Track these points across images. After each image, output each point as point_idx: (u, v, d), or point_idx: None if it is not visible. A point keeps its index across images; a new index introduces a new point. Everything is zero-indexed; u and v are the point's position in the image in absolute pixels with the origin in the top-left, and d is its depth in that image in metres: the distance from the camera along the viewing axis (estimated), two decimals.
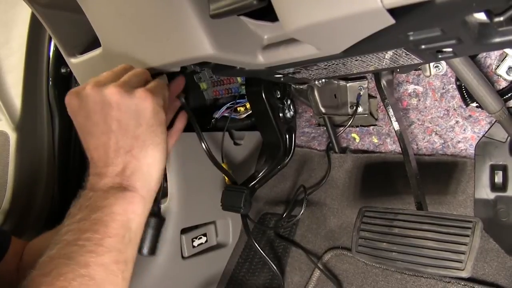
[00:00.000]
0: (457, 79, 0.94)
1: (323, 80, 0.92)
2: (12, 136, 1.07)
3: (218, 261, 1.23)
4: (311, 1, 0.39)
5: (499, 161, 0.93)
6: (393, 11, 0.36)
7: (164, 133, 0.58)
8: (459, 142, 1.00)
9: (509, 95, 0.87)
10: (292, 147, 0.93)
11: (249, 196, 0.86)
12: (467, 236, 0.69)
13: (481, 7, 0.39)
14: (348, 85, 1.05)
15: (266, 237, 1.27)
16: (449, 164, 1.01)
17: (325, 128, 1.18)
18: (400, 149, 0.84)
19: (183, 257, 1.09)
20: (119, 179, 0.54)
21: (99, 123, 0.55)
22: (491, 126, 0.94)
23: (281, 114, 0.90)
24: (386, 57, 0.56)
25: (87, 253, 0.49)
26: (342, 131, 1.16)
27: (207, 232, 1.16)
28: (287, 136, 0.92)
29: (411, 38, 0.46)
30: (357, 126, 1.15)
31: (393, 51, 0.53)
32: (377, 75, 0.83)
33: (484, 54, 0.89)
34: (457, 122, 0.99)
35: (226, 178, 0.97)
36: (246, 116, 1.07)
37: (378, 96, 1.06)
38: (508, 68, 0.86)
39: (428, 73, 0.85)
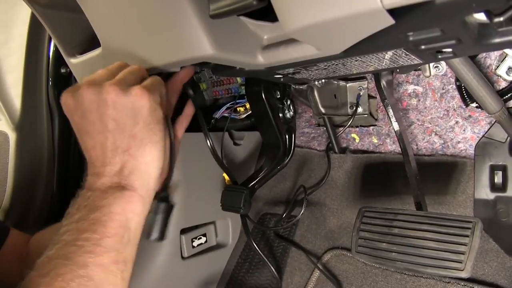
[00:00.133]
0: (457, 80, 0.94)
1: (323, 80, 0.92)
2: (12, 136, 1.07)
3: (218, 261, 1.23)
4: (310, 2, 0.39)
5: (498, 161, 0.93)
6: (393, 11, 0.36)
7: (162, 130, 0.58)
8: (459, 142, 1.00)
9: (508, 95, 0.87)
10: (292, 147, 0.93)
11: (248, 196, 0.86)
12: (467, 236, 0.69)
13: (481, 7, 0.39)
14: (348, 85, 1.05)
15: (265, 237, 1.27)
16: (449, 164, 1.01)
17: (325, 128, 1.18)
18: (399, 149, 0.84)
19: (182, 257, 1.09)
20: (117, 179, 0.54)
21: (95, 122, 0.55)
22: (490, 127, 0.94)
23: (281, 114, 0.90)
24: (386, 57, 0.56)
25: (85, 254, 0.48)
26: (342, 131, 1.16)
27: (207, 232, 1.16)
28: (287, 136, 0.92)
29: (411, 38, 0.46)
30: (357, 127, 1.15)
31: (393, 51, 0.53)
32: (377, 75, 0.83)
33: (484, 54, 0.89)
34: (457, 122, 0.99)
35: (226, 178, 0.97)
36: (246, 116, 1.07)
37: (378, 96, 1.07)
38: (508, 69, 0.86)
39: (428, 74, 0.85)
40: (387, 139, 1.12)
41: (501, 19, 0.39)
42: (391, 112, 0.82)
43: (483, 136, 0.95)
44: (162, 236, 0.82)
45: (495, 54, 0.88)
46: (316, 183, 1.21)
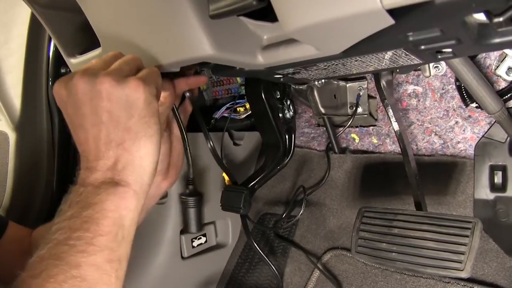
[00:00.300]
0: (456, 80, 0.94)
1: (323, 80, 0.92)
2: (12, 136, 1.07)
3: (218, 261, 1.23)
4: (310, 2, 0.39)
5: (498, 161, 0.93)
6: (393, 12, 0.36)
7: (157, 123, 0.55)
8: (458, 142, 1.00)
9: (508, 95, 0.87)
10: (292, 148, 0.94)
11: (248, 197, 0.86)
12: (467, 236, 0.69)
13: (480, 7, 0.39)
14: (347, 85, 1.05)
15: (265, 237, 1.27)
16: (449, 164, 1.01)
17: (324, 128, 1.18)
18: (399, 149, 0.84)
19: (182, 257, 1.09)
20: (111, 174, 0.52)
21: (88, 114, 0.52)
22: (490, 127, 0.94)
23: (280, 115, 0.90)
24: (385, 57, 0.56)
25: (78, 253, 0.46)
26: (341, 132, 1.16)
27: (207, 232, 1.16)
28: (286, 136, 0.92)
29: (411, 38, 0.46)
30: (356, 127, 1.15)
31: (392, 51, 0.53)
32: (376, 75, 0.83)
33: (484, 54, 0.89)
34: (456, 122, 0.99)
35: (226, 178, 0.97)
36: (246, 116, 1.07)
37: (377, 96, 1.07)
38: (508, 69, 0.86)
39: (427, 74, 0.85)
40: (387, 139, 1.12)
41: (501, 19, 0.39)
42: (391, 112, 0.82)
43: (483, 136, 0.95)
44: (200, 228, 0.82)
45: (494, 54, 0.88)
46: (316, 183, 1.21)
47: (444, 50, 0.50)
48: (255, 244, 0.97)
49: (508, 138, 0.91)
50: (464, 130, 0.98)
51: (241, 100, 1.06)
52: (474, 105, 0.93)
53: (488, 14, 0.40)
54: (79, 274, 0.46)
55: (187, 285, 1.14)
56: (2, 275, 0.65)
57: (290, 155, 0.94)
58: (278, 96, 0.89)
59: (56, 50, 1.07)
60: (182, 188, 1.00)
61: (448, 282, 0.94)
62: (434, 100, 1.00)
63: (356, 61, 0.58)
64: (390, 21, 0.38)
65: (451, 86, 0.97)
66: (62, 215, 0.50)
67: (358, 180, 1.14)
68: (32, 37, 1.05)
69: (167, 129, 0.72)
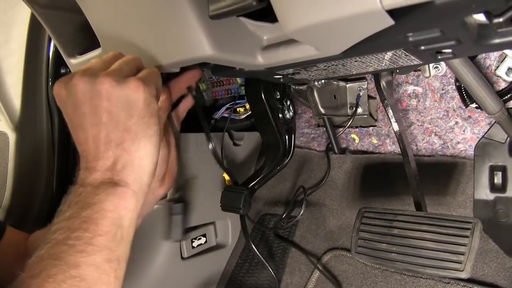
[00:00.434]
0: (456, 80, 0.94)
1: (323, 81, 0.92)
2: (12, 136, 1.07)
3: (218, 262, 1.23)
4: (310, 2, 0.39)
5: (498, 162, 0.93)
6: (393, 12, 0.36)
7: (157, 124, 0.55)
8: (458, 143, 1.00)
9: (508, 96, 0.87)
10: (292, 148, 0.93)
11: (248, 197, 0.86)
12: (467, 237, 0.69)
13: (480, 8, 0.39)
14: (347, 86, 1.05)
15: (265, 237, 1.27)
16: (449, 165, 1.01)
17: (324, 128, 1.18)
18: (399, 149, 0.84)
19: (182, 258, 1.09)
20: (110, 174, 0.52)
21: (88, 114, 0.52)
22: (490, 127, 0.94)
23: (280, 115, 0.90)
24: (385, 58, 0.56)
25: (77, 253, 0.46)
26: (341, 132, 1.16)
27: (207, 233, 1.16)
28: (286, 136, 0.92)
29: (411, 39, 0.46)
30: (356, 127, 1.15)
31: (392, 52, 0.53)
32: (376, 76, 0.83)
33: (484, 55, 0.89)
34: (456, 123, 0.99)
35: (226, 178, 0.97)
36: (246, 116, 1.07)
37: (377, 97, 1.07)
38: (508, 69, 0.86)
39: (427, 74, 0.85)
40: (387, 140, 1.12)
41: (501, 20, 0.39)
42: (390, 112, 0.82)
43: (482, 136, 0.95)
44: (183, 236, 0.81)
45: (494, 55, 0.88)
46: (316, 183, 1.21)
47: (444, 50, 0.50)
48: (253, 247, 0.97)
49: (508, 139, 0.91)
50: (464, 131, 0.98)
51: (241, 101, 1.05)
52: (474, 105, 0.93)
53: (488, 14, 0.40)
54: (78, 274, 0.46)
55: (187, 285, 1.14)
56: None
57: (290, 155, 0.94)
58: (278, 97, 0.89)
59: (56, 50, 1.07)
60: (169, 193, 0.99)
61: (448, 283, 0.94)
62: (434, 101, 1.00)
63: (356, 61, 0.58)
64: (390, 21, 0.38)
65: (451, 86, 0.97)
66: (61, 215, 0.50)
67: (358, 181, 1.14)
68: (32, 37, 1.05)
69: (165, 134, 0.72)
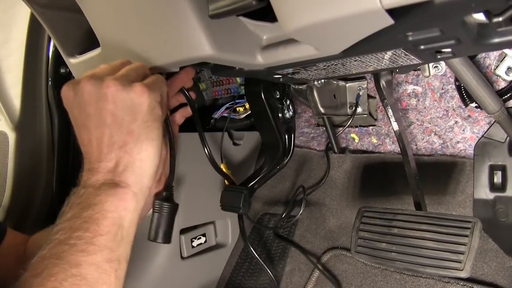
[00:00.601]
0: (456, 80, 0.94)
1: (322, 80, 0.92)
2: (11, 136, 1.07)
3: (217, 261, 1.23)
4: (310, 2, 0.39)
5: (498, 161, 0.93)
6: (392, 12, 0.36)
7: (159, 129, 0.57)
8: (458, 142, 1.00)
9: (508, 95, 0.87)
10: (291, 147, 0.93)
11: (248, 197, 0.86)
12: (466, 236, 0.69)
13: (480, 7, 0.39)
14: (347, 85, 1.05)
15: (265, 237, 1.27)
16: (448, 164, 1.01)
17: (324, 128, 1.18)
18: (399, 149, 0.84)
19: (182, 257, 1.09)
20: (111, 175, 0.53)
21: (93, 116, 0.54)
22: (490, 127, 0.94)
23: (280, 114, 0.90)
24: (385, 57, 0.56)
25: (78, 252, 0.47)
26: (341, 132, 1.16)
27: (206, 232, 1.16)
28: (286, 136, 0.92)
29: (410, 38, 0.46)
30: (356, 127, 1.15)
31: (392, 51, 0.53)
32: (376, 75, 0.83)
33: (483, 54, 0.89)
34: (456, 122, 0.99)
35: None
36: (245, 116, 1.07)
37: (377, 96, 1.07)
38: (507, 69, 0.86)
39: (427, 74, 0.85)
40: (387, 139, 1.12)
41: (500, 19, 0.39)
42: (390, 112, 0.82)
43: (482, 136, 0.95)
44: (168, 239, 0.81)
45: (494, 54, 0.88)
46: (316, 183, 1.21)
47: (443, 50, 0.50)
48: (252, 249, 0.97)
49: (508, 138, 0.91)
50: (463, 130, 0.98)
51: (240, 100, 1.06)
52: (473, 105, 0.93)
53: (488, 14, 0.40)
54: (79, 273, 0.47)
55: (186, 285, 1.14)
56: None
57: (290, 155, 0.94)
58: (278, 96, 0.89)
59: (55, 50, 1.07)
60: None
61: (448, 282, 0.94)
62: (433, 100, 1.00)
63: (355, 61, 0.58)
64: (390, 21, 0.38)
65: (450, 86, 0.97)
66: (63, 216, 0.51)
67: (358, 180, 1.14)
68: (32, 37, 1.05)
69: (163, 137, 0.73)
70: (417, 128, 1.05)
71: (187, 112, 0.74)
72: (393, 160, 1.09)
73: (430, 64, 0.85)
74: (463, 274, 0.68)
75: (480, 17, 0.43)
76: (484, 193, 0.94)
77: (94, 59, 0.69)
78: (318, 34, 0.44)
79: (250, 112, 1.05)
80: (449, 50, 0.50)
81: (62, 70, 1.08)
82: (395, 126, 0.83)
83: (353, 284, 1.08)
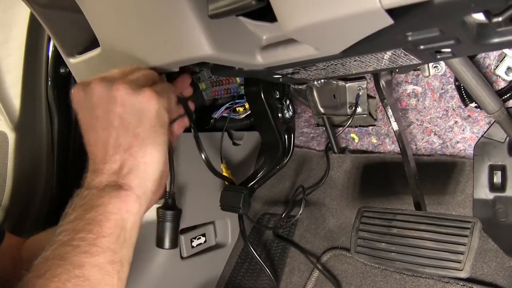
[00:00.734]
0: (456, 80, 0.94)
1: (322, 80, 0.92)
2: (11, 136, 1.07)
3: (217, 262, 1.23)
4: (309, 2, 0.39)
5: (498, 161, 0.93)
6: (392, 11, 0.36)
7: (165, 134, 0.58)
8: (458, 142, 1.00)
9: (508, 95, 0.87)
10: (291, 147, 0.93)
11: (248, 197, 0.86)
12: (466, 236, 0.69)
13: (479, 7, 0.39)
14: (347, 85, 1.05)
15: (265, 237, 1.27)
16: (448, 164, 1.01)
17: (324, 128, 1.18)
18: (399, 149, 0.84)
19: (182, 257, 1.09)
20: (115, 177, 0.54)
21: (101, 117, 0.55)
22: (490, 126, 0.94)
23: (280, 114, 0.90)
24: (385, 57, 0.56)
25: (81, 254, 0.48)
26: (341, 131, 1.16)
27: (206, 232, 1.16)
28: (286, 136, 0.92)
29: (410, 38, 0.46)
30: (356, 126, 1.15)
31: (392, 51, 0.53)
32: (376, 75, 0.83)
33: (483, 54, 0.89)
34: (456, 122, 0.99)
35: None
36: (245, 116, 1.07)
37: (377, 96, 1.07)
38: (507, 69, 0.86)
39: (427, 74, 0.85)
40: (386, 139, 1.12)
41: (500, 19, 0.39)
42: (390, 112, 0.82)
43: (482, 136, 0.95)
44: (175, 244, 0.82)
45: (494, 54, 0.88)
46: (315, 183, 1.21)
47: (443, 50, 0.50)
48: (252, 249, 0.97)
49: (507, 138, 0.91)
50: (463, 130, 0.98)
51: (240, 100, 1.06)
52: (473, 105, 0.93)
53: (487, 14, 0.40)
54: (82, 274, 0.47)
55: (186, 285, 1.14)
56: None
57: (290, 155, 0.94)
58: (278, 96, 0.89)
59: (55, 50, 1.07)
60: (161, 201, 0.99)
61: (448, 282, 0.94)
62: (433, 100, 1.00)
63: (355, 61, 0.58)
64: (389, 21, 0.38)
65: (450, 86, 0.97)
66: (67, 217, 0.52)
67: (358, 180, 1.14)
68: (32, 37, 1.05)
69: None
70: (416, 128, 1.05)
71: (185, 123, 0.75)
72: (393, 160, 1.09)
73: (430, 64, 0.85)
74: (462, 274, 0.68)
75: (479, 17, 0.43)
76: (484, 193, 0.94)
77: (93, 59, 0.69)
78: (318, 34, 0.44)
79: (249, 112, 1.05)
80: (448, 50, 0.50)
81: (62, 70, 1.08)
82: (394, 126, 0.83)
83: (352, 284, 1.08)
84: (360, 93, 1.05)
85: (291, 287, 1.17)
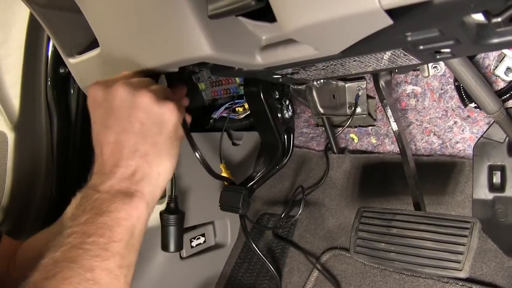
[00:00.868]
0: (455, 80, 0.94)
1: (322, 80, 0.92)
2: (10, 136, 1.07)
3: (217, 262, 1.23)
4: (309, 2, 0.39)
5: (497, 161, 0.93)
6: (391, 12, 0.36)
7: (179, 147, 0.60)
8: (457, 142, 1.00)
9: (507, 95, 0.87)
10: (291, 148, 0.93)
11: (247, 197, 0.86)
12: (465, 236, 0.69)
13: (479, 7, 0.39)
14: (346, 85, 1.05)
15: (264, 237, 1.27)
16: (448, 164, 1.01)
17: (323, 128, 1.18)
18: (398, 149, 0.84)
19: (181, 258, 1.09)
20: (128, 183, 0.54)
21: (121, 120, 0.55)
22: (489, 127, 0.94)
23: (279, 115, 0.90)
24: (384, 57, 0.56)
25: (92, 257, 0.49)
26: (340, 132, 1.16)
27: (206, 233, 1.16)
28: (285, 136, 0.92)
29: (409, 38, 0.46)
30: (355, 127, 1.15)
31: (391, 51, 0.53)
32: (375, 75, 0.83)
33: (483, 54, 0.89)
34: (455, 122, 0.99)
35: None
36: (245, 116, 1.07)
37: (376, 96, 1.07)
38: (506, 69, 0.87)
39: (426, 74, 0.85)
40: (386, 139, 1.12)
41: (499, 19, 0.39)
42: (389, 112, 0.82)
43: (481, 136, 0.95)
44: (180, 247, 0.83)
45: (493, 55, 0.88)
46: (315, 183, 1.21)
47: (442, 50, 0.50)
48: (254, 245, 0.97)
49: (507, 138, 0.91)
50: (463, 130, 0.98)
51: (240, 100, 1.06)
52: (473, 105, 0.93)
53: (487, 14, 0.40)
54: (93, 278, 0.48)
55: (186, 285, 1.14)
56: None
57: (289, 155, 0.94)
58: (277, 96, 0.89)
59: (55, 50, 1.06)
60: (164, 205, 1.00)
61: (447, 282, 0.94)
62: (433, 100, 1.00)
63: (354, 61, 0.58)
64: (389, 21, 0.38)
65: (450, 86, 0.97)
66: (75, 219, 0.52)
67: (357, 180, 1.14)
68: (31, 37, 1.05)
69: None
70: (416, 128, 1.05)
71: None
72: (392, 160, 1.09)
73: (429, 64, 0.85)
74: (462, 274, 0.68)
75: (479, 17, 0.43)
76: (483, 193, 0.94)
77: (93, 59, 0.69)
78: (317, 34, 0.44)
79: (249, 112, 1.05)
80: (448, 50, 0.50)
81: (61, 70, 1.08)
82: (394, 126, 0.83)
83: (352, 284, 1.08)
84: (360, 93, 1.05)
85: (291, 287, 1.17)
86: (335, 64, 0.60)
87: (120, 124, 0.55)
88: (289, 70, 0.64)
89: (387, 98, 0.83)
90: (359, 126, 1.15)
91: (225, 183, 0.92)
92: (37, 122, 1.09)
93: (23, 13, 1.05)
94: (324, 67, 0.62)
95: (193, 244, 1.11)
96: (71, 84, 1.11)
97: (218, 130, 1.09)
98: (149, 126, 0.55)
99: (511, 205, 0.91)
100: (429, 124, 1.03)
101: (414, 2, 0.34)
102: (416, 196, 0.82)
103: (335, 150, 1.18)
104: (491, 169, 0.94)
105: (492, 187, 0.94)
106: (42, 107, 1.09)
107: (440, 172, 1.01)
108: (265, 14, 0.47)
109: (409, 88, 1.02)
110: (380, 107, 1.09)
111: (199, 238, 1.13)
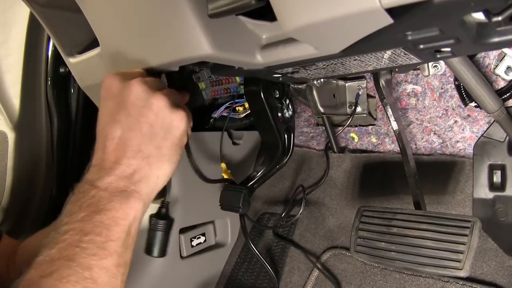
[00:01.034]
0: (455, 79, 0.94)
1: (322, 79, 0.92)
2: (11, 136, 1.07)
3: (217, 261, 1.23)
4: (309, 1, 0.39)
5: (497, 160, 0.93)
6: (392, 11, 0.36)
7: (181, 155, 0.61)
8: (457, 141, 1.00)
9: (507, 94, 0.87)
10: (291, 147, 0.93)
11: (247, 196, 0.86)
12: (466, 235, 0.69)
13: (479, 6, 0.39)
14: (346, 84, 1.05)
15: (264, 236, 1.27)
16: (448, 163, 1.01)
17: (323, 127, 1.18)
18: (398, 148, 0.84)
19: (181, 257, 1.09)
20: (126, 182, 0.54)
21: (131, 117, 0.55)
22: (489, 126, 0.94)
23: (279, 114, 0.90)
24: (384, 56, 0.56)
25: (89, 256, 0.49)
26: (341, 131, 1.16)
27: (206, 232, 1.16)
28: (285, 135, 0.92)
29: (410, 37, 0.46)
30: (355, 126, 1.15)
31: (391, 50, 0.53)
32: (375, 74, 0.83)
33: (483, 53, 0.89)
34: (455, 121, 0.99)
35: (225, 177, 0.97)
36: (245, 115, 1.07)
37: (376, 95, 1.07)
38: (507, 68, 0.86)
39: (426, 73, 0.85)
40: (386, 139, 1.12)
41: (499, 18, 0.39)
42: (390, 111, 0.82)
43: (481, 135, 0.95)
44: (163, 253, 0.82)
45: (493, 54, 0.88)
46: (315, 182, 1.21)
47: (443, 49, 0.50)
48: (253, 246, 0.97)
49: (507, 137, 0.91)
50: (463, 129, 0.98)
51: (240, 100, 1.05)
52: (473, 104, 0.93)
53: (487, 13, 0.40)
54: (91, 276, 0.48)
55: (186, 284, 1.14)
56: None
57: (289, 154, 0.94)
58: (277, 96, 0.89)
59: (55, 50, 1.06)
60: (155, 208, 0.99)
61: (447, 281, 0.94)
62: (433, 100, 1.00)
63: (355, 60, 0.58)
64: (389, 20, 0.38)
65: (450, 85, 0.97)
66: (71, 215, 0.52)
67: (357, 180, 1.14)
68: (31, 36, 1.05)
69: None
70: (416, 128, 1.05)
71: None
72: (393, 159, 1.09)
73: (430, 64, 0.85)
74: (462, 273, 0.68)
75: (479, 16, 0.43)
76: (484, 192, 0.94)
77: (93, 59, 0.69)
78: (318, 33, 0.44)
79: (249, 111, 1.04)
80: (448, 49, 0.50)
81: (62, 70, 1.08)
82: (394, 125, 0.83)
83: (352, 283, 1.08)
84: (360, 93, 1.05)
85: (291, 287, 1.17)
86: (335, 63, 0.60)
87: (129, 121, 0.55)
88: (289, 69, 0.64)
89: (387, 97, 0.83)
90: (360, 125, 1.15)
91: (226, 182, 0.92)
92: (37, 122, 1.09)
93: (23, 12, 1.05)
94: (324, 66, 0.62)
95: (194, 243, 1.11)
96: (71, 83, 1.11)
97: (218, 129, 1.09)
98: (157, 129, 0.56)
99: None
100: (430, 123, 1.03)
101: (415, 1, 0.34)
102: (416, 195, 0.82)
103: (335, 150, 1.18)
104: (492, 168, 0.94)
105: (492, 186, 0.94)
106: (42, 107, 1.09)
107: (441, 171, 1.01)
108: (265, 13, 0.47)
109: (410, 87, 1.02)
110: (380, 106, 1.09)
111: (200, 237, 1.13)
